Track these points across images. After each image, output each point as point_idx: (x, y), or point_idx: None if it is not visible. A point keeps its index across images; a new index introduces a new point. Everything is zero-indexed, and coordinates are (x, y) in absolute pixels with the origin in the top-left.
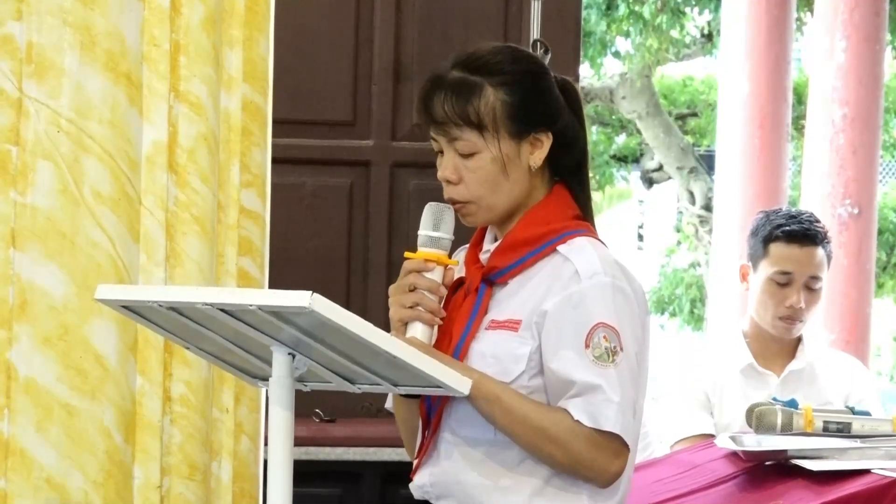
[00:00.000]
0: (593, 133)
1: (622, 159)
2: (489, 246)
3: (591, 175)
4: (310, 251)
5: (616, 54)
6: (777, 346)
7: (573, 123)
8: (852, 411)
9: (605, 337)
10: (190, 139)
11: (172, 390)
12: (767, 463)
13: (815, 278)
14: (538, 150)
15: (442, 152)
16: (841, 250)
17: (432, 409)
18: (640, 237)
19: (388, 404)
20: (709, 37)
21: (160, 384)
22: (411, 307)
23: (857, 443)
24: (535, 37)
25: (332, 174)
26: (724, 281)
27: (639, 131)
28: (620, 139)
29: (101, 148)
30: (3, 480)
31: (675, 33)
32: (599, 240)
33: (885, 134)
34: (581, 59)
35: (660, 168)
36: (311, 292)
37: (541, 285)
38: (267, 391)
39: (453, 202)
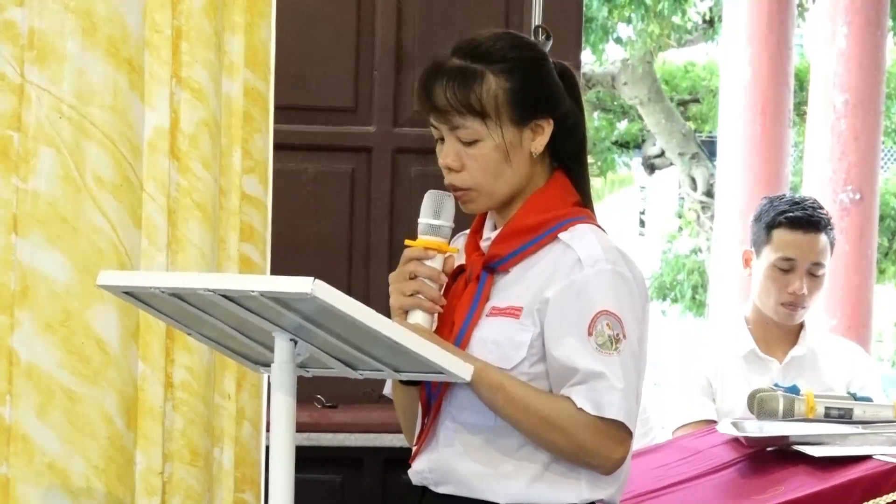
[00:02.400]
0: (595, 119)
1: (624, 145)
2: (489, 233)
3: (592, 161)
4: (311, 237)
5: (618, 40)
6: (779, 331)
7: (573, 109)
8: (854, 397)
9: (607, 324)
10: (191, 125)
11: (174, 376)
12: (769, 449)
13: (818, 265)
14: (540, 137)
15: (442, 139)
16: (842, 236)
17: (432, 395)
18: (642, 223)
19: (387, 390)
20: (710, 23)
21: (162, 370)
22: (412, 295)
23: (858, 429)
24: (536, 23)
25: (333, 160)
26: (725, 267)
27: (640, 117)
28: (622, 125)
29: (103, 134)
30: (6, 466)
31: (676, 19)
32: (599, 226)
33: (886, 119)
34: (583, 45)
35: (661, 154)
36: (312, 278)
37: (543, 273)
38: (269, 377)
39: (455, 189)
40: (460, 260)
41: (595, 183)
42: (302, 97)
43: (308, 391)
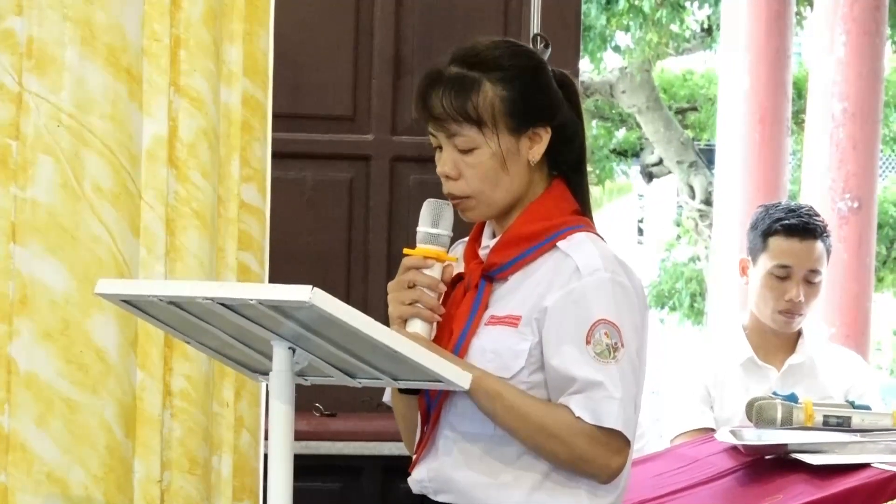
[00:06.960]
0: (593, 127)
1: (622, 154)
2: (488, 241)
3: (591, 169)
4: (310, 245)
5: (616, 49)
6: (777, 339)
7: (572, 118)
8: (852, 405)
9: (605, 333)
10: (190, 134)
11: (173, 385)
12: (767, 457)
13: (815, 272)
14: (537, 145)
15: (440, 147)
16: (841, 244)
17: (432, 404)
18: (640, 231)
19: (386, 397)
20: (708, 31)
21: (160, 379)
22: (410, 304)
23: (857, 437)
24: (535, 31)
25: (332, 168)
26: (723, 275)
27: (639, 125)
28: (620, 133)
29: (102, 142)
30: (4, 475)
31: (674, 27)
32: (598, 235)
33: (884, 128)
34: (581, 53)
35: (660, 162)
36: (311, 286)
37: (541, 281)
38: (267, 385)
39: (452, 197)
40: (459, 268)
41: (593, 191)
42: (300, 106)
43: (307, 399)
